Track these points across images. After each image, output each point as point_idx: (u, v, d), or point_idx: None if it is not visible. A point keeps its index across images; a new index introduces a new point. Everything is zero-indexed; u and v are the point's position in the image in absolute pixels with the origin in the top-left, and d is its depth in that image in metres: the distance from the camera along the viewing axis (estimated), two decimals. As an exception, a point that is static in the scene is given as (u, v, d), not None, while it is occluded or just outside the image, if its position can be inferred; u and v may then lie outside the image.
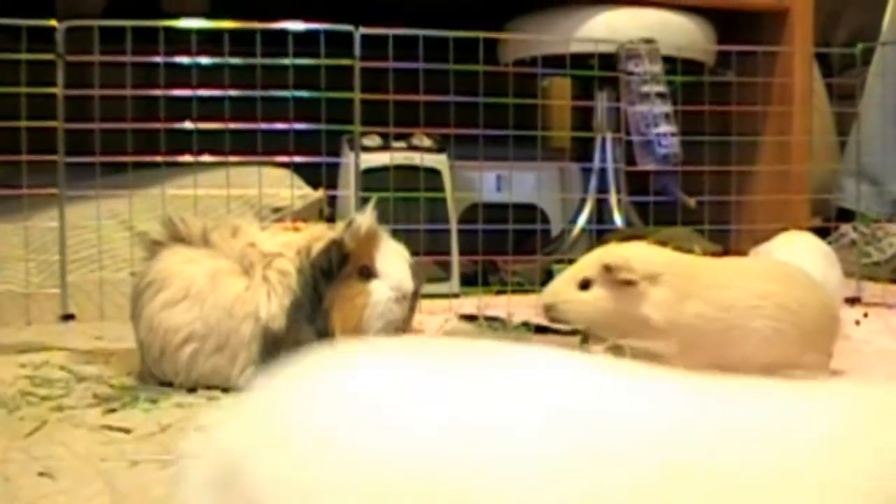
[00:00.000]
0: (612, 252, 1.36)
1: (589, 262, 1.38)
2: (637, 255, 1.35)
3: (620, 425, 0.48)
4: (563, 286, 1.39)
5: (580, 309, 1.36)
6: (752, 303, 1.37)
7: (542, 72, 2.31)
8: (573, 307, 1.36)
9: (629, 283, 1.32)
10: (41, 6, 2.03)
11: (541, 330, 1.43)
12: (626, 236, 1.92)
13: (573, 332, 1.42)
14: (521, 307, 2.02)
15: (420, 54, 2.02)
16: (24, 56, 1.87)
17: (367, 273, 1.32)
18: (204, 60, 1.98)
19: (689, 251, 1.95)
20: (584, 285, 1.35)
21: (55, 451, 1.02)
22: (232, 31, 1.96)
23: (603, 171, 2.62)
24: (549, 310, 1.39)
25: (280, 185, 2.18)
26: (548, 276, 2.34)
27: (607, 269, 1.33)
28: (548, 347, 0.54)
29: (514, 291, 2.13)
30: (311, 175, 2.20)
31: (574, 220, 2.61)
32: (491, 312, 1.49)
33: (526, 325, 1.45)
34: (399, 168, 2.24)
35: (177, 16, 2.01)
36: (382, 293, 1.31)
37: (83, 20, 1.93)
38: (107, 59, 1.94)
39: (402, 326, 1.56)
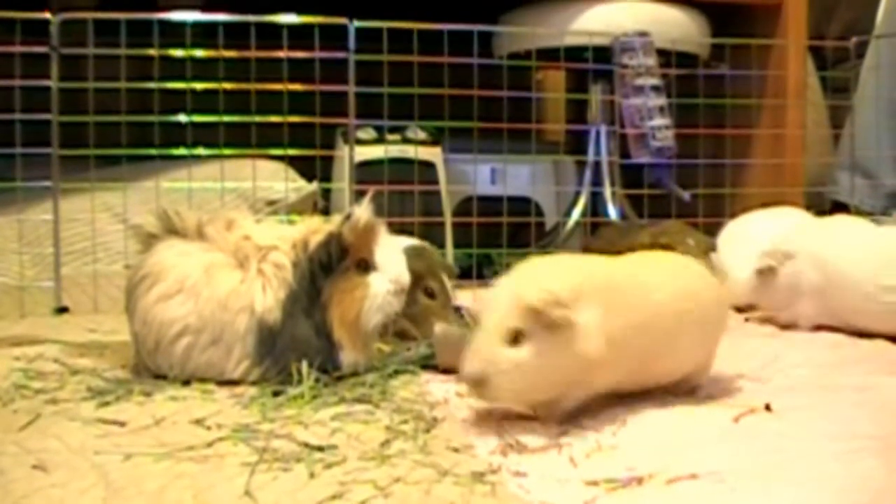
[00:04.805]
0: (527, 285, 1.06)
1: (510, 307, 1.06)
2: (554, 279, 1.07)
3: None
4: (488, 345, 1.06)
5: (518, 378, 1.05)
6: (680, 307, 1.17)
7: (537, 65, 2.31)
8: (510, 379, 1.05)
9: (560, 322, 1.05)
10: (35, -1, 2.03)
11: None
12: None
13: None
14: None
15: (414, 47, 2.01)
16: (18, 49, 1.87)
17: (366, 266, 1.32)
18: (198, 53, 1.98)
19: (684, 244, 1.95)
20: (514, 339, 1.05)
21: (49, 444, 1.02)
22: (226, 25, 1.96)
23: (597, 164, 2.62)
24: (479, 385, 1.06)
25: (274, 178, 2.18)
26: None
27: (536, 312, 1.04)
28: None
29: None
30: (305, 168, 2.20)
31: (568, 213, 2.61)
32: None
33: None
34: (393, 161, 2.24)
35: (171, 9, 2.01)
36: (381, 286, 1.31)
37: (77, 13, 1.93)
38: (101, 52, 1.94)
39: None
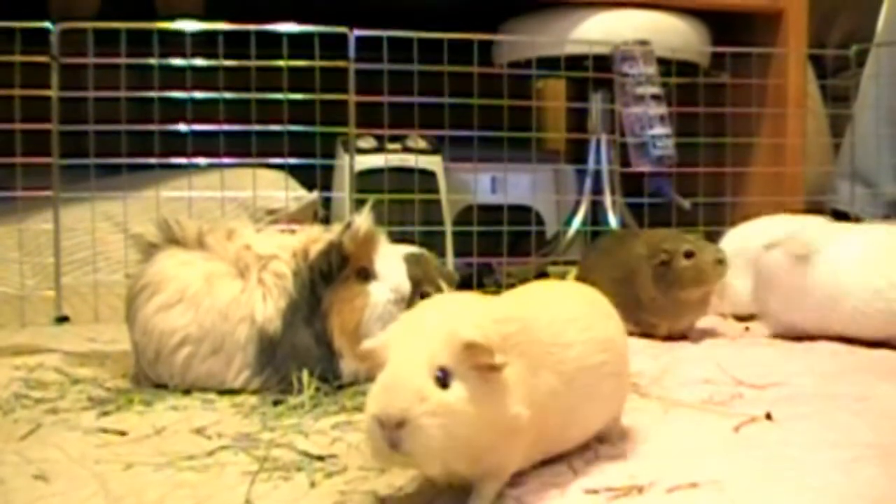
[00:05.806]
0: (456, 321, 0.86)
1: (437, 342, 0.84)
2: (482, 317, 0.88)
3: None
4: (413, 381, 0.81)
5: (449, 424, 0.81)
6: (598, 359, 0.99)
7: (537, 73, 2.31)
8: (440, 423, 0.81)
9: (493, 368, 0.85)
10: (35, 8, 2.03)
11: None
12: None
13: None
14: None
15: (414, 56, 2.02)
16: (18, 58, 1.87)
17: (366, 275, 1.32)
18: (198, 62, 1.98)
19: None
20: (443, 379, 0.83)
21: (50, 454, 1.02)
22: (226, 33, 1.96)
23: (597, 173, 2.62)
24: (400, 428, 0.80)
25: (275, 187, 2.18)
26: (542, 278, 2.35)
27: (469, 348, 0.84)
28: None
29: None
30: (305, 177, 2.20)
31: (569, 222, 2.61)
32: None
33: None
34: (394, 170, 2.24)
35: (171, 18, 2.01)
36: (381, 295, 1.31)
37: (77, 22, 1.93)
38: (101, 61, 1.94)
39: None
